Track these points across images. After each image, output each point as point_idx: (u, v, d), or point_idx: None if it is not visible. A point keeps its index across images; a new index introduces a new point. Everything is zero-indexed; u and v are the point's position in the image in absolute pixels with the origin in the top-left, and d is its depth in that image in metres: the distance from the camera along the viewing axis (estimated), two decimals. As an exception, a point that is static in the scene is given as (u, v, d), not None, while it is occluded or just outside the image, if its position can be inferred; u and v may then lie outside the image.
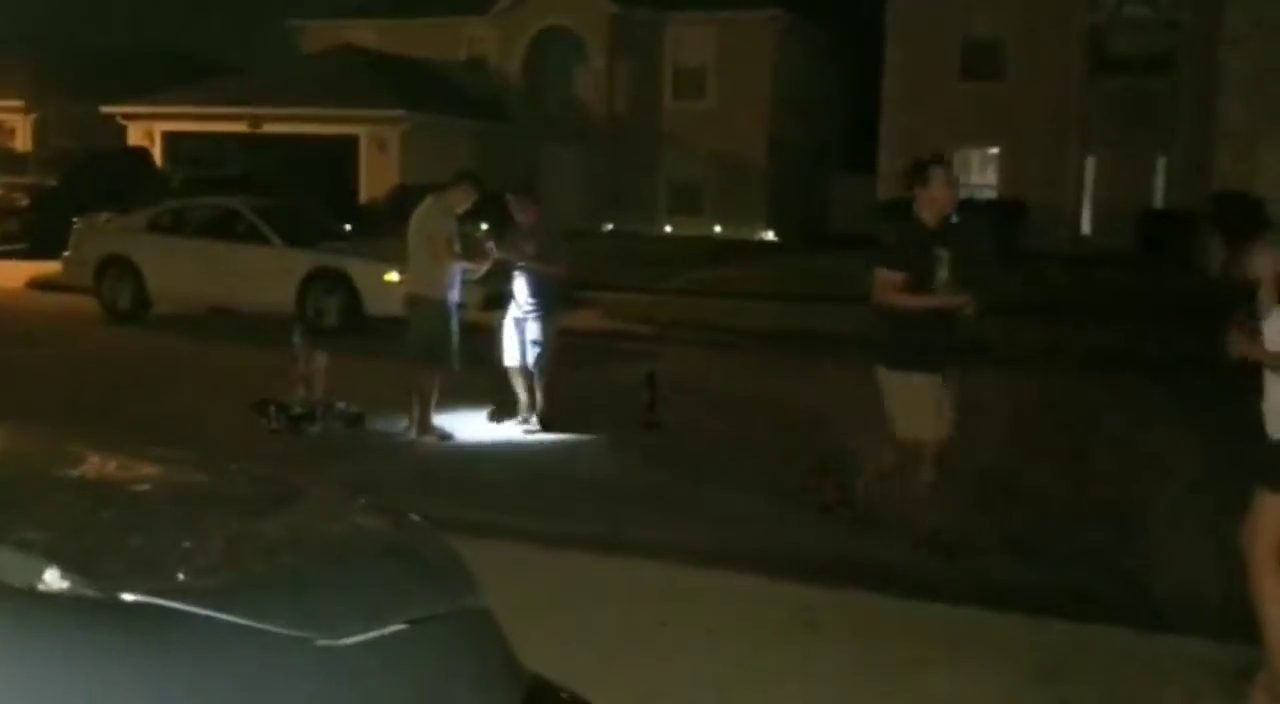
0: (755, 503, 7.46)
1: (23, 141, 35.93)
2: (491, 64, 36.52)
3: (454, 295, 9.08)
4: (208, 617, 1.93)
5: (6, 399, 8.32)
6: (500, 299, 9.85)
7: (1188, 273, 22.13)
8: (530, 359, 9.24)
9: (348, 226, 18.79)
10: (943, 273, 6.32)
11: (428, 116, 31.76)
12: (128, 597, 1.92)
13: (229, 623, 1.94)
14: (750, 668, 4.65)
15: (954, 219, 6.66)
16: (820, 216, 35.38)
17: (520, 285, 9.27)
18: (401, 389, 9.15)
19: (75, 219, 17.20)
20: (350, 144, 31.93)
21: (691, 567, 5.84)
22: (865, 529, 6.84)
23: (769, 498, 7.57)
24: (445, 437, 9.01)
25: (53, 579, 1.93)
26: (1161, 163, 29.29)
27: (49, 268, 17.81)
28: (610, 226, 34.03)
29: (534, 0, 35.32)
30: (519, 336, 9.26)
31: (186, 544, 2.20)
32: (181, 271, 15.06)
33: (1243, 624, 4.49)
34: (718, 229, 33.91)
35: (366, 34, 36.94)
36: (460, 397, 9.38)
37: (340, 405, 9.27)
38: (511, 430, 9.32)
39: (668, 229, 34.66)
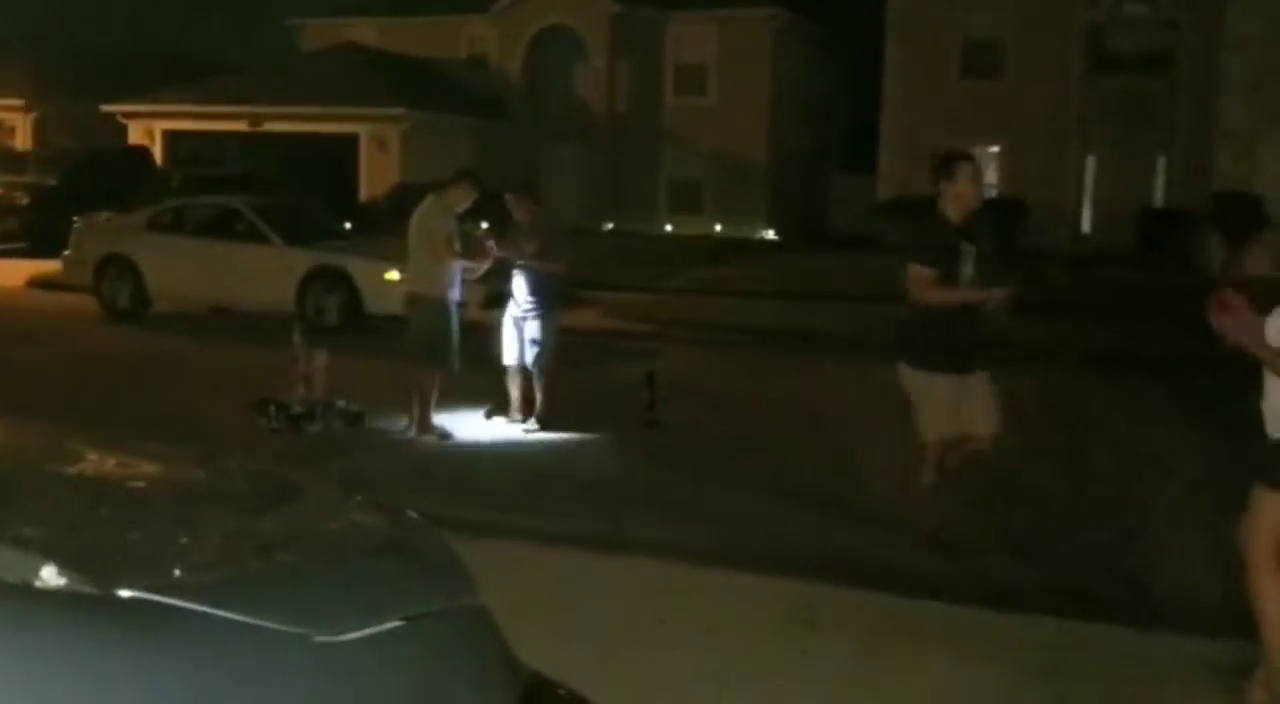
0: (755, 501, 7.46)
1: (23, 140, 35.92)
2: (492, 62, 36.54)
3: (454, 294, 9.08)
4: (205, 613, 1.93)
5: (6, 397, 8.32)
6: (500, 298, 9.86)
7: (1188, 272, 22.12)
8: (529, 358, 9.24)
9: (348, 225, 18.80)
10: (968, 269, 6.24)
11: (428, 115, 31.76)
12: (124, 593, 1.92)
13: (226, 619, 1.94)
14: (749, 665, 4.65)
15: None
16: (820, 215, 35.40)
17: (519, 284, 9.27)
18: (401, 388, 9.15)
19: (75, 218, 17.21)
20: (350, 143, 31.93)
21: (691, 565, 5.84)
22: (865, 528, 6.84)
23: (769, 497, 7.57)
24: (445, 435, 9.01)
25: (49, 575, 1.93)
26: (1161, 162, 29.31)
27: (49, 267, 17.82)
28: (611, 225, 34.04)
29: (535, -2, 35.39)
30: (518, 335, 9.26)
31: (184, 540, 2.20)
32: (181, 270, 15.07)
33: (1241, 622, 4.49)
34: (718, 228, 33.91)
35: (366, 32, 36.94)
36: (460, 396, 9.39)
37: (340, 404, 9.28)
38: (509, 429, 9.32)
39: (668, 228, 34.67)
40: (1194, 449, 8.88)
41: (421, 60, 35.42)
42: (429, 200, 9.24)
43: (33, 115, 36.59)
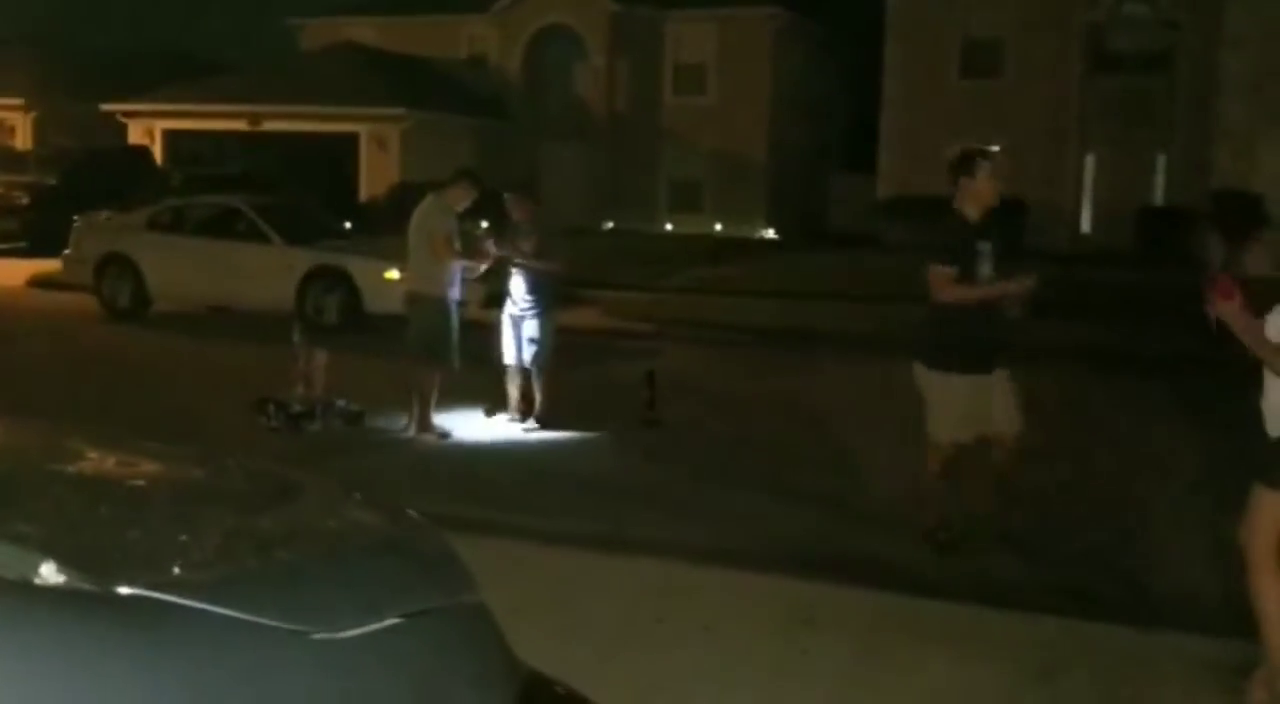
0: (754, 500, 7.46)
1: (23, 140, 35.93)
2: (492, 62, 36.53)
3: (454, 293, 9.08)
4: (204, 610, 1.93)
5: (6, 396, 8.32)
6: (498, 297, 9.86)
7: (1187, 270, 22.12)
8: (528, 357, 9.24)
9: (348, 225, 18.79)
10: (986, 269, 6.17)
11: (428, 114, 31.75)
12: (124, 590, 1.93)
13: (225, 617, 1.94)
14: (749, 664, 4.64)
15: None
16: (820, 214, 35.39)
17: (517, 283, 9.28)
18: (401, 387, 9.15)
19: (75, 217, 17.20)
20: (350, 142, 31.93)
21: (690, 563, 5.84)
22: (865, 526, 6.84)
23: (768, 495, 7.57)
24: (444, 435, 9.01)
25: (49, 573, 1.93)
26: (1161, 161, 29.30)
27: (49, 266, 17.82)
28: (610, 224, 34.03)
29: (534, -2, 35.39)
30: (515, 334, 9.26)
31: (183, 538, 2.20)
32: (181, 270, 15.07)
33: (1241, 622, 4.49)
34: (718, 227, 33.91)
35: (366, 32, 36.92)
36: (460, 395, 9.39)
37: (340, 403, 9.28)
38: (508, 428, 9.32)
39: (668, 227, 34.66)
40: (1194, 448, 8.88)
41: (421, 60, 35.42)
42: (429, 200, 9.25)
43: (33, 114, 36.59)
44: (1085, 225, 30.29)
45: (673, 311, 16.88)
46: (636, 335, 15.02)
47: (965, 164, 6.26)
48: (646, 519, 6.93)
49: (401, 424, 9.14)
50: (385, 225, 18.34)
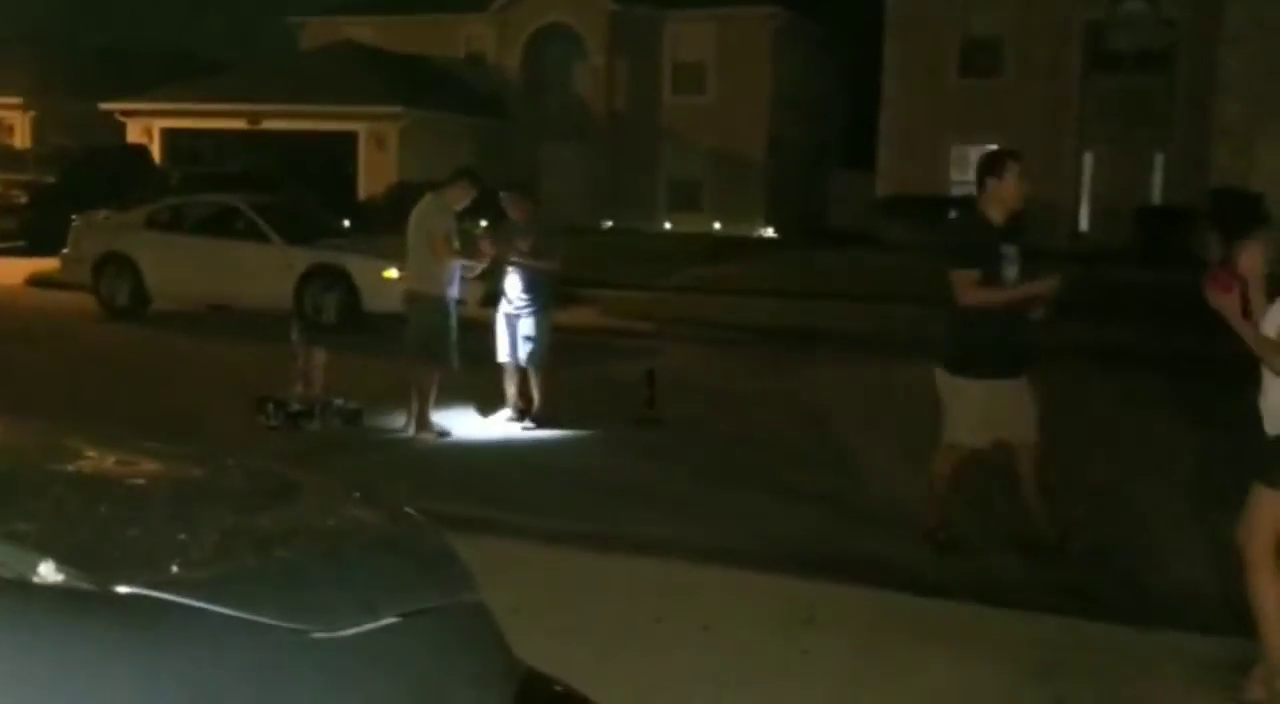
0: (754, 499, 7.46)
1: (21, 139, 35.96)
2: (490, 61, 36.55)
3: (453, 292, 9.08)
4: (202, 609, 1.93)
5: (5, 396, 8.32)
6: (497, 296, 9.86)
7: (1186, 268, 22.13)
8: (524, 356, 9.25)
9: (346, 223, 18.79)
10: (1011, 272, 6.08)
11: (426, 113, 31.76)
12: (122, 589, 1.92)
13: (223, 615, 1.94)
14: (748, 664, 4.64)
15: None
16: (819, 213, 35.40)
17: (513, 282, 9.28)
18: (400, 386, 9.15)
19: (74, 216, 17.20)
20: (349, 141, 31.94)
21: (689, 562, 5.83)
22: (864, 525, 6.84)
23: (768, 494, 7.57)
24: (443, 433, 9.01)
25: (47, 571, 1.92)
26: (1159, 159, 29.32)
27: (48, 265, 17.81)
28: (610, 223, 34.04)
29: (532, -3, 35.40)
30: (511, 333, 9.26)
31: (181, 537, 2.19)
32: (180, 268, 15.07)
33: (1240, 620, 4.50)
34: (717, 226, 33.91)
35: (365, 31, 36.94)
36: (458, 393, 9.39)
37: (339, 402, 9.28)
38: (507, 427, 9.32)
39: (667, 226, 34.67)
40: (1193, 447, 8.89)
41: (420, 58, 35.43)
42: (427, 198, 9.24)
43: (31, 113, 36.62)
44: (1084, 224, 30.31)
45: (672, 310, 16.87)
46: (636, 334, 15.02)
47: (994, 165, 6.17)
48: (646, 518, 6.92)
49: (400, 423, 9.13)
50: (384, 224, 18.32)
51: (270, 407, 9.12)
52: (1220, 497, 5.20)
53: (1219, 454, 7.33)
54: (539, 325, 9.23)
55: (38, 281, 18.29)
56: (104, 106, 32.91)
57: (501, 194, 9.51)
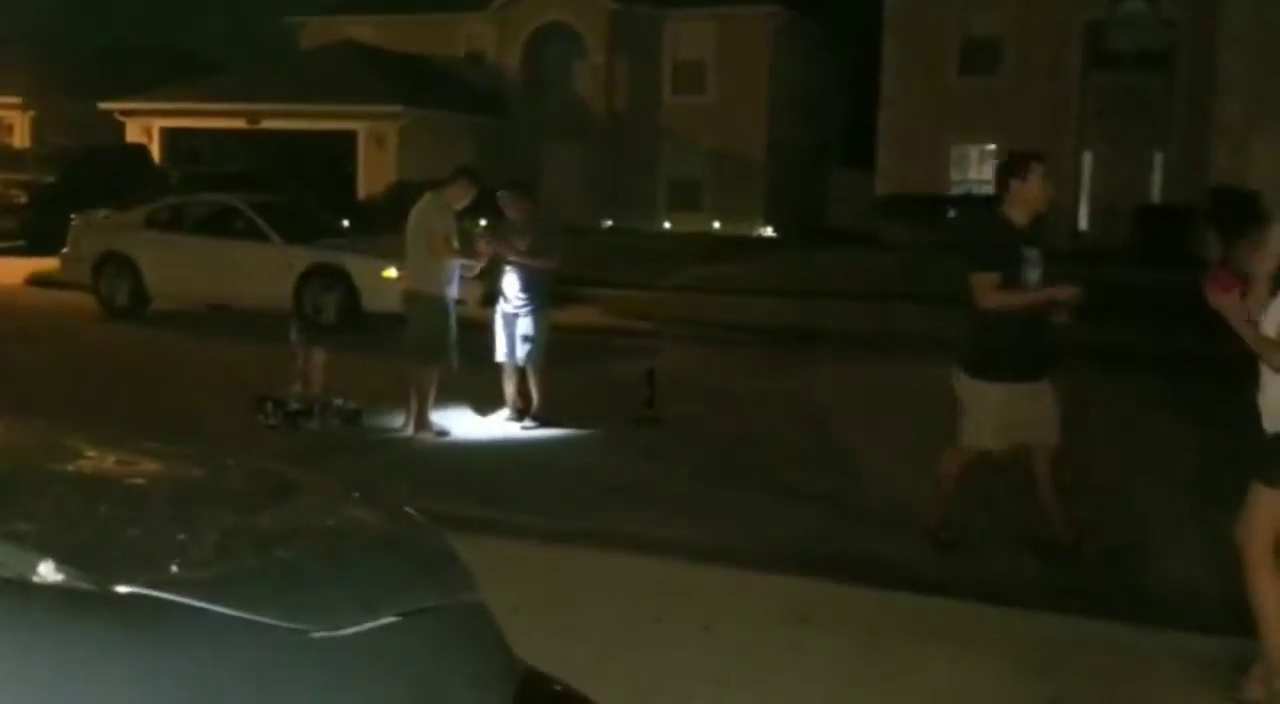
0: (753, 499, 7.46)
1: (21, 138, 35.94)
2: (490, 60, 36.54)
3: (452, 292, 9.08)
4: (202, 609, 1.93)
5: (5, 395, 8.32)
6: (496, 295, 9.87)
7: (1185, 268, 22.13)
8: (522, 355, 9.25)
9: (346, 223, 18.79)
10: (1034, 275, 6.03)
11: (426, 112, 31.74)
12: (122, 588, 1.92)
13: (223, 615, 1.94)
14: (747, 663, 4.64)
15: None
16: (819, 212, 35.42)
17: (511, 281, 9.28)
18: (399, 385, 9.15)
19: (73, 216, 17.20)
20: (348, 140, 31.92)
21: (689, 562, 5.83)
22: (864, 525, 6.84)
23: (767, 494, 7.57)
24: (442, 433, 9.01)
25: (47, 571, 1.92)
26: (1158, 158, 29.33)
27: (47, 264, 17.80)
28: (609, 223, 34.04)
29: (532, -4, 35.40)
30: (509, 332, 9.27)
31: (181, 536, 2.20)
32: (179, 268, 15.07)
33: (1240, 619, 4.50)
34: (717, 225, 33.91)
35: (365, 30, 36.93)
36: (458, 393, 9.39)
37: (338, 401, 9.28)
38: (506, 426, 9.32)
39: (667, 225, 34.67)
40: (1193, 446, 8.89)
41: (419, 58, 35.41)
42: (427, 198, 9.24)
43: (31, 113, 36.60)
44: (1083, 223, 30.31)
45: (672, 310, 16.86)
46: (635, 334, 15.02)
47: (1017, 166, 6.12)
48: (646, 518, 6.92)
49: (400, 422, 9.13)
50: (383, 224, 18.31)
51: (270, 406, 9.12)
52: (1220, 496, 5.20)
53: (1219, 454, 7.33)
54: (537, 325, 9.23)
55: (37, 281, 18.28)
56: (103, 106, 32.89)
57: (499, 193, 9.51)
